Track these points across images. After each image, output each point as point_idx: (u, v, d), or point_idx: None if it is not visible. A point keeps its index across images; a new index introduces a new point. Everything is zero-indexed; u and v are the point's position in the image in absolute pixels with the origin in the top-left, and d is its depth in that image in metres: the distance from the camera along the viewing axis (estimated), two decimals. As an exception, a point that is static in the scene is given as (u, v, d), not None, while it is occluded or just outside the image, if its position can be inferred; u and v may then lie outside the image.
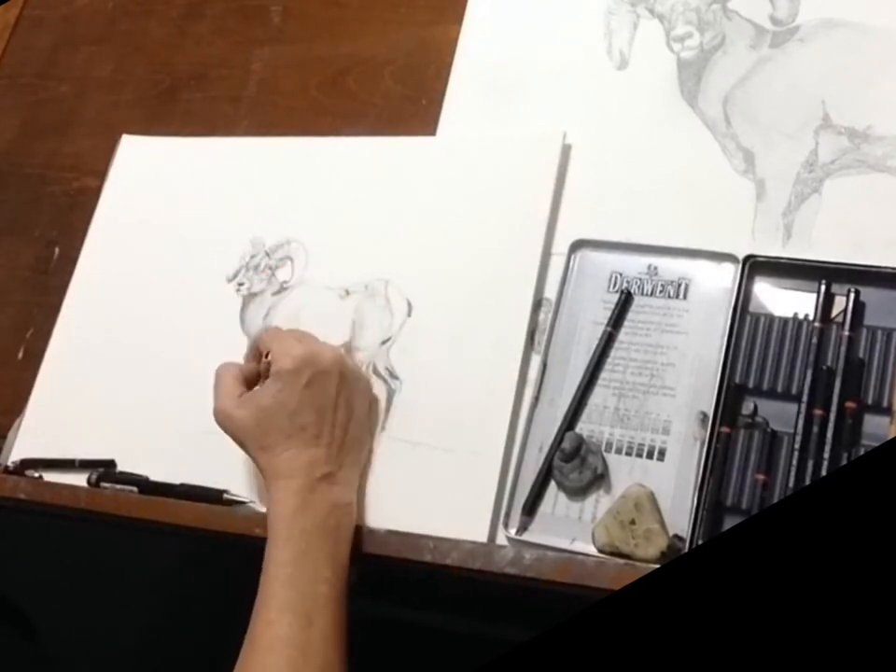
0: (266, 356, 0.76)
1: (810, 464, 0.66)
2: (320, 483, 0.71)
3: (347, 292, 0.83)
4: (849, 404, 0.67)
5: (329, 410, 0.73)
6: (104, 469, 0.83)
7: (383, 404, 0.78)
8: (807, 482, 0.66)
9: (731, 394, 0.69)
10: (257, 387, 0.75)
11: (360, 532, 0.73)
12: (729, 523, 0.68)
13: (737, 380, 0.70)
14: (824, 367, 0.68)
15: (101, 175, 0.97)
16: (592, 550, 0.68)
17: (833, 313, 0.70)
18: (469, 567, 0.69)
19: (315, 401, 0.72)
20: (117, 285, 0.91)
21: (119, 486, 0.81)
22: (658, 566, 0.65)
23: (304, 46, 0.97)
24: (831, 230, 0.73)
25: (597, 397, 0.73)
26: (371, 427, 0.77)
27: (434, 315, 0.80)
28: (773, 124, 0.77)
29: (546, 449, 0.72)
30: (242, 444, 0.74)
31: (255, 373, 0.77)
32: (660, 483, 0.69)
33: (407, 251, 0.83)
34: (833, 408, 0.67)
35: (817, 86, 0.77)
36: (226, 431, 0.74)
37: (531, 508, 0.71)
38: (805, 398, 0.68)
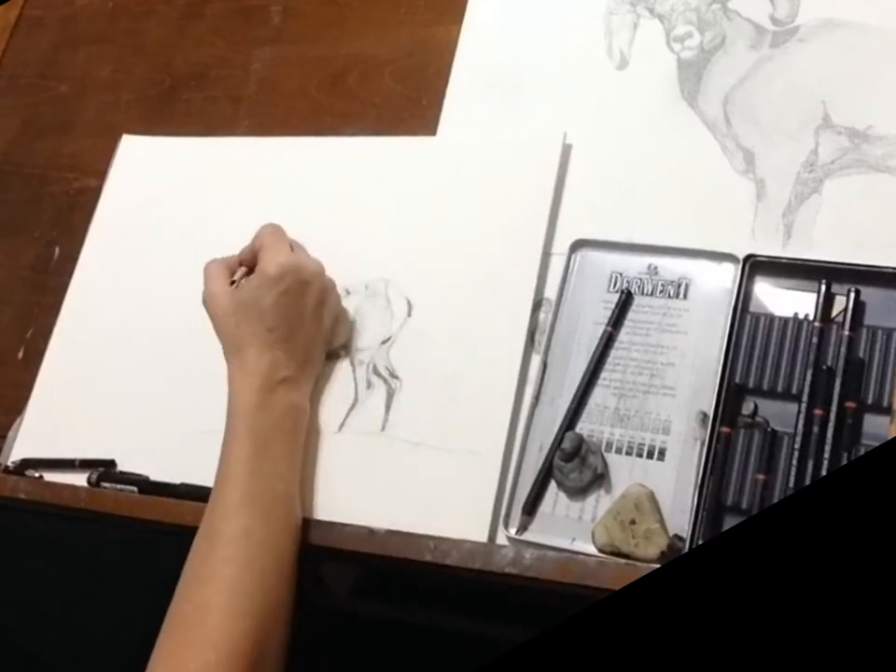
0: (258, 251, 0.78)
1: (810, 464, 0.66)
2: (280, 384, 0.74)
3: (347, 292, 0.83)
4: (849, 404, 0.67)
5: (299, 319, 0.76)
6: (104, 469, 0.83)
7: (383, 404, 0.78)
8: (807, 482, 0.66)
9: (731, 394, 0.69)
10: (241, 284, 0.78)
11: (360, 532, 0.73)
12: (729, 523, 0.68)
13: (737, 380, 0.70)
14: (824, 367, 0.68)
15: (101, 175, 0.97)
16: (592, 550, 0.68)
17: (833, 313, 0.70)
18: (469, 567, 0.69)
19: (288, 309, 0.75)
20: (117, 285, 0.91)
21: (119, 486, 0.81)
22: (658, 566, 0.65)
23: (304, 46, 0.97)
24: (831, 229, 0.73)
25: (597, 397, 0.73)
26: (331, 338, 0.80)
27: (434, 314, 0.80)
28: (773, 124, 0.77)
29: (546, 449, 0.72)
30: (217, 331, 0.77)
31: (242, 270, 0.79)
32: (660, 482, 0.69)
33: (407, 251, 0.83)
34: (833, 408, 0.67)
35: (817, 86, 0.77)
36: (210, 314, 0.77)
37: (531, 508, 0.71)
38: (805, 398, 0.68)
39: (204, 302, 0.78)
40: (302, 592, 0.72)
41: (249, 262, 0.79)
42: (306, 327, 0.76)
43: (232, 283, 0.78)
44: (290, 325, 0.75)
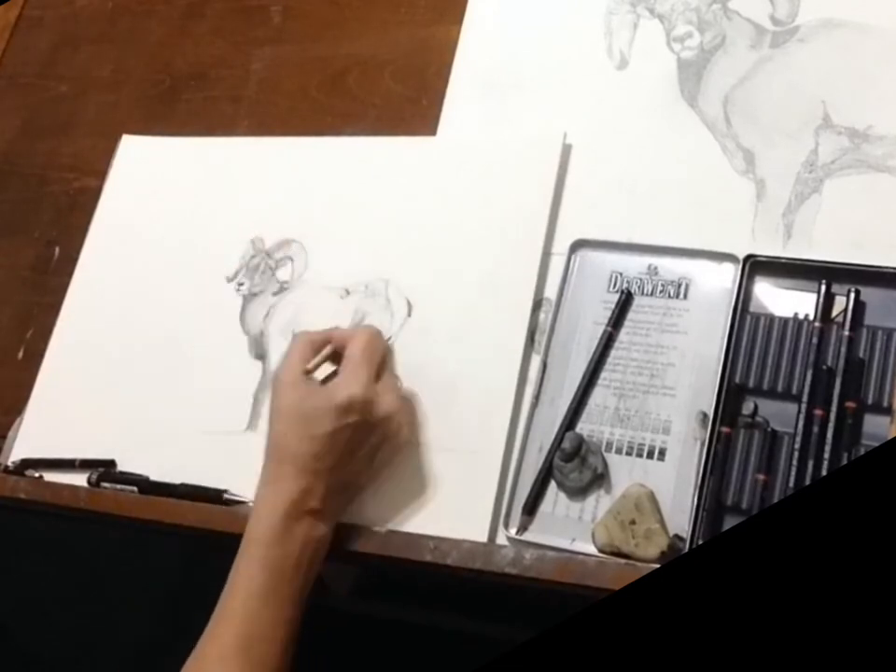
0: (343, 352, 0.73)
1: (810, 464, 0.66)
2: (307, 515, 0.69)
3: (347, 292, 0.83)
4: (849, 404, 0.67)
5: (351, 456, 0.70)
6: (104, 469, 0.83)
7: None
8: (807, 482, 0.66)
9: (731, 394, 0.69)
10: (311, 390, 0.72)
11: (360, 532, 0.73)
12: (729, 523, 0.68)
13: (737, 380, 0.70)
14: (824, 367, 0.68)
15: (101, 175, 0.96)
16: (592, 550, 0.68)
17: (834, 313, 0.70)
18: (469, 567, 0.69)
19: (346, 444, 0.70)
20: (117, 284, 0.91)
21: (119, 486, 0.81)
22: (658, 566, 0.65)
23: (304, 46, 0.97)
24: (831, 230, 0.73)
25: (597, 397, 0.73)
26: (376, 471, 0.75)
27: (434, 315, 0.80)
28: (773, 124, 0.77)
29: (546, 449, 0.72)
30: (271, 420, 0.72)
31: (322, 345, 0.75)
32: (660, 482, 0.69)
33: (407, 251, 0.83)
34: (834, 408, 0.67)
35: (817, 86, 0.77)
36: (271, 400, 0.73)
37: (531, 508, 0.71)
38: (805, 398, 0.68)
39: (276, 379, 0.73)
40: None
41: (335, 346, 0.75)
42: (354, 465, 0.71)
43: (308, 371, 0.73)
44: (339, 459, 0.70)
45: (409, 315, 0.81)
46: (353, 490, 0.73)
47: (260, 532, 0.69)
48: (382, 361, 0.74)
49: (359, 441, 0.71)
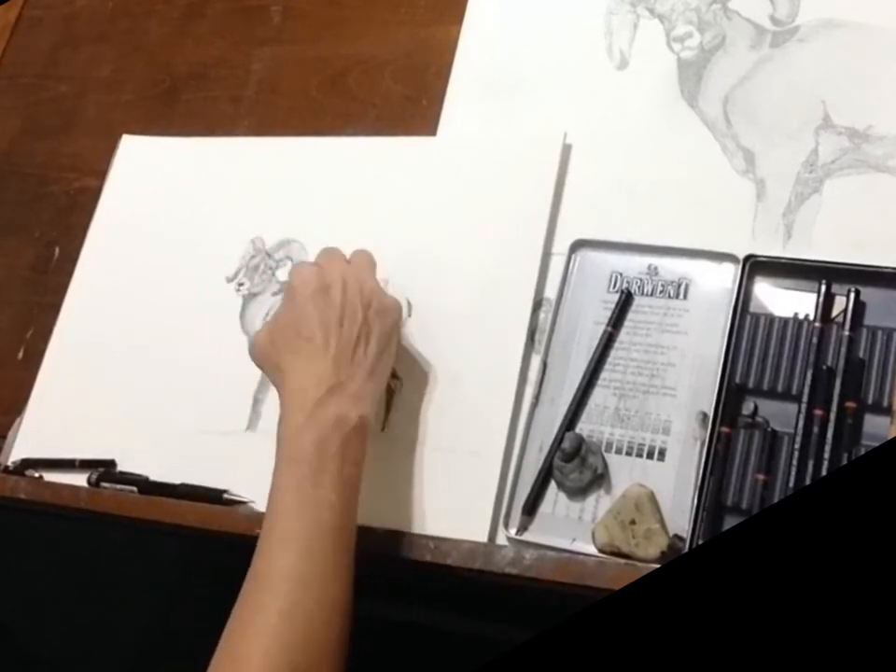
0: None
1: (810, 464, 0.66)
2: (326, 395, 0.67)
3: (347, 292, 0.83)
4: (849, 404, 0.67)
5: (333, 321, 0.71)
6: (104, 469, 0.83)
7: (383, 404, 0.78)
8: (807, 482, 0.66)
9: (731, 394, 0.69)
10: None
11: (361, 532, 0.73)
12: (729, 523, 0.67)
13: (737, 380, 0.70)
14: (824, 367, 0.68)
15: (101, 175, 0.97)
16: (592, 550, 0.68)
17: (834, 313, 0.70)
18: (469, 567, 0.69)
19: (321, 311, 0.71)
20: (117, 284, 0.91)
21: (119, 486, 0.81)
22: (658, 566, 0.65)
23: (304, 46, 0.97)
24: (831, 230, 0.73)
25: (597, 397, 0.73)
26: (391, 353, 0.74)
27: (434, 315, 0.80)
28: (773, 124, 0.77)
29: (546, 449, 0.72)
30: (268, 374, 0.73)
31: None
32: (660, 483, 0.69)
33: (407, 251, 0.83)
34: (834, 408, 0.67)
35: (817, 86, 0.77)
36: (258, 365, 0.74)
37: (531, 508, 0.71)
38: (805, 398, 0.68)
39: (249, 353, 0.74)
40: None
41: None
42: (342, 328, 0.71)
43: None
44: (326, 328, 0.70)
45: (409, 315, 0.81)
46: (369, 357, 0.71)
47: (284, 430, 0.68)
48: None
49: (328, 306, 0.71)
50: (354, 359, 0.70)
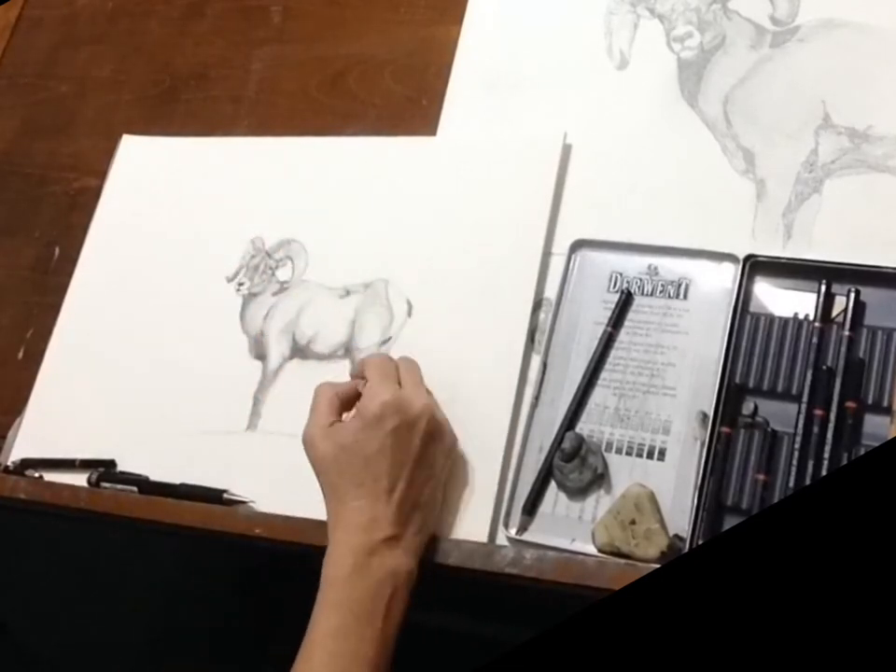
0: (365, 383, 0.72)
1: (810, 464, 0.66)
2: (381, 545, 0.66)
3: (347, 292, 0.83)
4: (850, 404, 0.67)
5: (407, 465, 0.68)
6: (104, 469, 0.83)
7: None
8: (807, 482, 0.66)
9: (731, 394, 0.69)
10: (344, 419, 0.71)
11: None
12: (729, 523, 0.67)
13: (737, 380, 0.70)
14: (824, 367, 0.68)
15: (101, 175, 0.97)
16: (592, 550, 0.68)
17: (834, 313, 0.70)
18: (469, 567, 0.69)
19: (394, 453, 0.67)
20: (117, 285, 0.91)
21: (119, 486, 0.81)
22: (658, 566, 0.65)
23: (304, 46, 0.97)
24: (831, 230, 0.73)
25: (597, 397, 0.73)
26: (442, 491, 0.72)
27: (434, 315, 0.80)
28: (773, 124, 0.77)
29: (546, 449, 0.72)
30: (317, 476, 0.70)
31: (353, 394, 0.72)
32: (660, 483, 0.69)
33: (407, 251, 0.83)
34: (834, 408, 0.67)
35: (817, 86, 0.77)
36: (308, 458, 0.70)
37: (531, 508, 0.71)
38: (805, 398, 0.68)
39: (304, 438, 0.71)
40: (302, 592, 0.71)
41: (356, 390, 0.73)
42: (417, 472, 0.68)
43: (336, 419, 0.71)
44: (396, 473, 0.67)
45: (409, 315, 0.81)
46: (425, 509, 0.69)
47: (332, 571, 0.66)
48: (398, 372, 0.73)
49: (406, 447, 0.68)
50: (415, 510, 0.68)
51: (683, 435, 0.70)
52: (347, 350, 0.82)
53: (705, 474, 0.67)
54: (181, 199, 0.93)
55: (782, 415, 0.68)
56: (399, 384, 0.72)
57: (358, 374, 0.74)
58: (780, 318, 0.71)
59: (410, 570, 0.67)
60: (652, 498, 0.68)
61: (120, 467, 0.83)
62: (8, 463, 0.85)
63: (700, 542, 0.66)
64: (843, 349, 0.68)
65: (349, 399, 0.72)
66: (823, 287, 0.70)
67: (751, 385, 0.69)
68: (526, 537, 0.71)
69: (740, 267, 0.72)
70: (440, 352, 0.78)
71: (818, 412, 0.67)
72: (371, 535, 0.66)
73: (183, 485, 0.79)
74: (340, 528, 0.67)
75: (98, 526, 0.85)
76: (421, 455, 0.69)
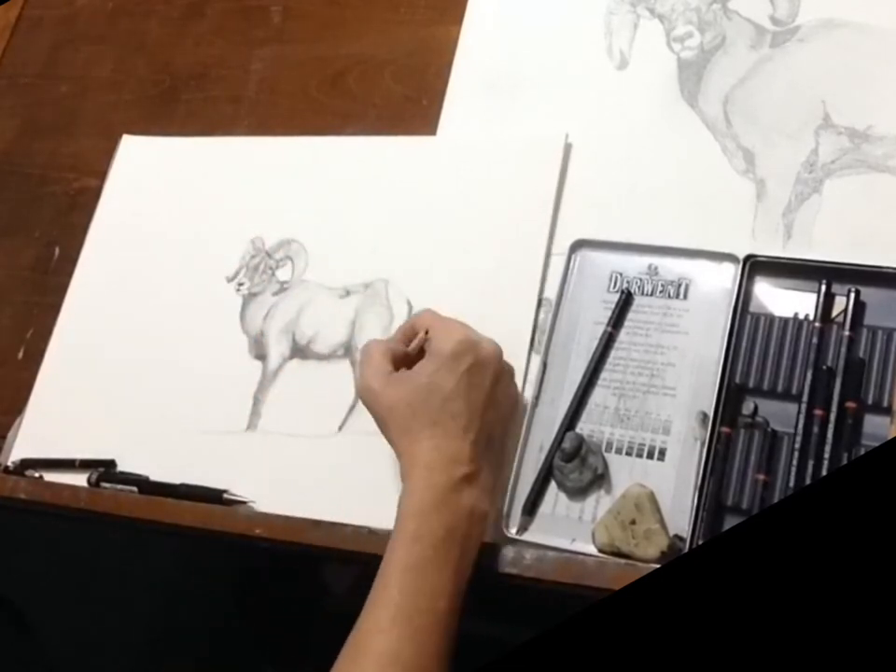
0: (425, 333, 0.72)
1: (810, 464, 0.66)
2: (461, 482, 0.66)
3: (347, 292, 0.83)
4: (850, 404, 0.67)
5: (480, 404, 0.68)
6: (104, 469, 0.83)
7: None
8: (807, 482, 0.66)
9: (731, 394, 0.69)
10: (412, 368, 0.70)
11: (360, 532, 0.72)
12: (729, 523, 0.67)
13: (737, 380, 0.70)
14: (824, 367, 0.68)
15: (101, 175, 0.97)
16: (592, 550, 0.68)
17: (834, 313, 0.70)
18: (469, 567, 0.69)
19: (470, 391, 0.68)
20: (117, 285, 0.91)
21: (119, 486, 0.81)
22: (658, 566, 0.65)
23: (304, 46, 0.97)
24: (831, 230, 0.73)
25: (597, 397, 0.73)
26: (515, 434, 0.73)
27: (434, 314, 0.80)
28: (773, 124, 0.77)
29: (546, 449, 0.72)
30: (384, 425, 0.70)
31: (402, 354, 0.72)
32: (660, 483, 0.69)
33: (407, 251, 0.83)
34: (834, 408, 0.67)
35: (817, 86, 0.77)
36: (370, 410, 0.70)
37: (531, 508, 0.71)
38: (805, 398, 0.68)
39: (362, 390, 0.71)
40: (302, 592, 0.71)
41: (409, 342, 0.73)
42: (490, 412, 0.69)
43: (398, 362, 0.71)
44: (472, 410, 0.67)
45: (409, 315, 0.81)
46: (497, 448, 0.70)
47: (413, 506, 0.65)
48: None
49: (479, 386, 0.68)
50: (489, 449, 0.69)
51: (683, 435, 0.70)
52: (347, 350, 0.82)
53: (705, 474, 0.67)
54: (181, 199, 0.93)
55: (782, 415, 0.68)
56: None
57: (405, 332, 0.74)
58: (780, 318, 0.71)
59: (485, 511, 0.67)
60: (652, 498, 0.68)
61: (120, 467, 0.83)
62: (8, 463, 0.85)
63: (700, 542, 0.66)
64: (843, 349, 0.68)
65: (398, 357, 0.72)
66: (823, 287, 0.70)
67: (751, 384, 0.69)
68: (526, 537, 0.71)
69: (740, 267, 0.72)
70: (440, 352, 0.78)
71: (818, 412, 0.67)
72: (451, 472, 0.66)
73: (183, 485, 0.79)
74: (418, 466, 0.66)
75: (98, 526, 0.85)
76: (491, 395, 0.69)
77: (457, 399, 0.67)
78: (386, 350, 0.72)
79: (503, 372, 0.71)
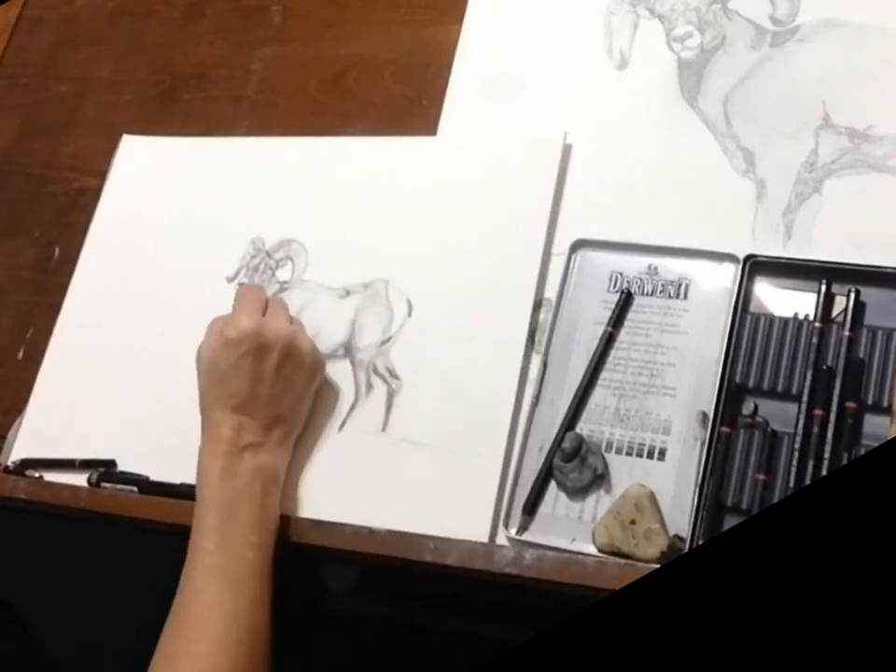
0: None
1: (810, 464, 0.66)
2: (245, 450, 0.73)
3: (347, 292, 0.83)
4: (850, 404, 0.67)
5: (264, 383, 0.74)
6: (104, 469, 0.83)
7: (383, 404, 0.78)
8: (807, 482, 0.66)
9: (731, 394, 0.69)
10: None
11: (360, 532, 0.73)
12: (729, 523, 0.68)
13: (737, 380, 0.70)
14: (824, 367, 0.68)
15: (101, 175, 0.97)
16: (592, 550, 0.68)
17: (834, 313, 0.70)
18: (469, 567, 0.69)
19: (250, 372, 0.74)
20: (117, 284, 0.91)
21: (119, 486, 0.81)
22: (658, 566, 0.65)
23: (304, 46, 0.97)
24: (831, 230, 0.73)
25: (597, 397, 0.73)
26: (310, 404, 0.78)
27: (434, 315, 0.80)
28: (773, 124, 0.77)
29: (546, 449, 0.72)
30: (199, 382, 0.77)
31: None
32: (660, 483, 0.69)
33: (407, 251, 0.83)
34: (834, 408, 0.67)
35: (817, 86, 0.77)
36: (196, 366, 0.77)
37: (531, 508, 0.71)
38: (805, 398, 0.68)
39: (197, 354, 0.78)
40: (302, 592, 0.72)
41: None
42: (271, 389, 0.75)
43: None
44: (252, 388, 0.74)
45: (409, 315, 0.81)
46: (287, 423, 0.76)
47: (205, 476, 0.72)
48: (266, 302, 0.79)
49: (263, 367, 0.74)
50: (277, 422, 0.75)
51: (683, 435, 0.70)
52: (347, 350, 0.82)
53: (705, 474, 0.67)
54: (181, 199, 0.93)
55: (782, 415, 0.68)
56: (264, 314, 0.77)
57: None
58: (780, 318, 0.71)
59: (274, 469, 0.74)
60: (652, 498, 0.68)
61: (120, 467, 0.83)
62: (8, 463, 0.85)
63: (700, 542, 0.66)
64: (843, 349, 0.68)
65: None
66: (823, 287, 0.70)
67: (751, 384, 0.69)
68: (526, 537, 0.71)
69: (740, 267, 0.72)
70: (440, 352, 0.78)
71: (818, 412, 0.67)
72: (234, 442, 0.73)
73: (183, 485, 0.79)
74: (206, 437, 0.74)
75: (98, 526, 0.85)
76: (276, 376, 0.75)
77: (235, 379, 0.74)
78: (223, 321, 0.77)
79: (292, 354, 0.76)
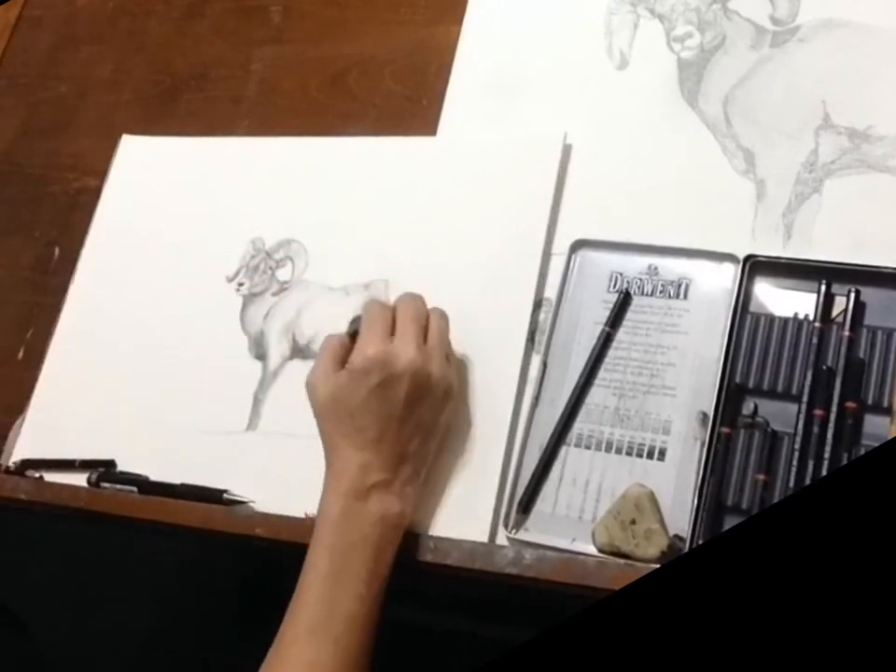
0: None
1: (810, 464, 0.66)
2: (371, 490, 0.68)
3: (347, 292, 0.83)
4: (850, 404, 0.67)
5: (393, 418, 0.69)
6: (104, 469, 0.83)
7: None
8: (807, 482, 0.66)
9: (731, 394, 0.69)
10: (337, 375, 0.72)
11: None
12: (729, 523, 0.68)
13: (737, 380, 0.70)
14: (824, 367, 0.68)
15: (101, 175, 0.96)
16: (592, 550, 0.68)
17: (834, 313, 0.70)
18: (469, 567, 0.69)
19: (380, 406, 0.69)
20: (117, 285, 0.91)
21: (119, 486, 0.81)
22: (658, 566, 0.65)
23: (304, 46, 0.97)
24: (831, 230, 0.73)
25: (597, 396, 0.73)
26: (439, 439, 0.73)
27: (434, 314, 0.80)
28: (773, 124, 0.77)
29: (546, 449, 0.72)
30: (318, 427, 0.72)
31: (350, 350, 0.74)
32: (660, 483, 0.69)
33: (407, 251, 0.83)
34: (834, 408, 0.67)
35: (817, 86, 0.77)
36: (310, 402, 0.72)
37: (527, 505, 0.71)
38: (805, 398, 0.68)
39: (307, 384, 0.72)
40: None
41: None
42: (401, 425, 0.69)
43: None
44: (382, 424, 0.69)
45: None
46: (415, 461, 0.71)
47: (324, 515, 0.68)
48: (394, 322, 0.73)
49: (391, 401, 0.69)
50: (405, 459, 0.70)
51: (683, 435, 0.70)
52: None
53: (705, 474, 0.67)
54: (181, 199, 0.93)
55: (782, 415, 0.68)
56: (393, 334, 0.72)
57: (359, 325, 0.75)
58: (780, 318, 0.71)
59: (401, 513, 0.69)
60: (652, 498, 0.68)
61: (120, 467, 0.83)
62: (9, 463, 0.85)
63: (700, 542, 0.66)
64: (843, 349, 0.68)
65: (349, 352, 0.73)
66: (823, 287, 0.70)
67: (751, 385, 0.69)
68: (527, 537, 0.71)
69: (740, 267, 0.72)
70: (440, 352, 0.78)
71: (818, 412, 0.67)
72: (360, 480, 0.68)
73: (183, 485, 0.79)
74: (331, 474, 0.69)
75: (98, 526, 0.85)
76: (406, 410, 0.70)
77: (365, 413, 0.69)
78: (338, 346, 0.73)
79: (421, 386, 0.70)
